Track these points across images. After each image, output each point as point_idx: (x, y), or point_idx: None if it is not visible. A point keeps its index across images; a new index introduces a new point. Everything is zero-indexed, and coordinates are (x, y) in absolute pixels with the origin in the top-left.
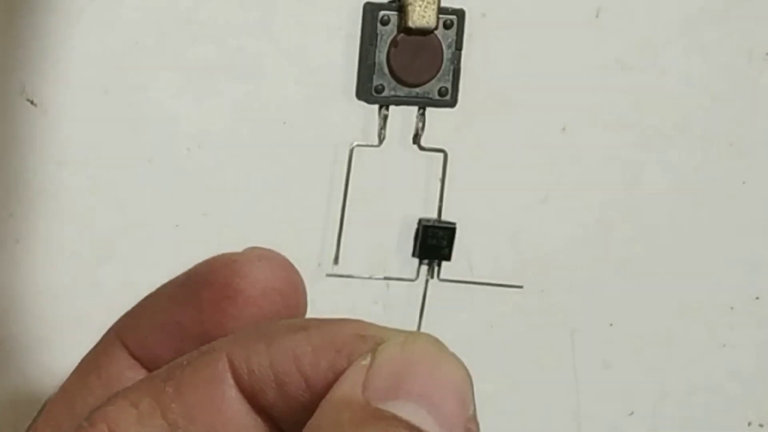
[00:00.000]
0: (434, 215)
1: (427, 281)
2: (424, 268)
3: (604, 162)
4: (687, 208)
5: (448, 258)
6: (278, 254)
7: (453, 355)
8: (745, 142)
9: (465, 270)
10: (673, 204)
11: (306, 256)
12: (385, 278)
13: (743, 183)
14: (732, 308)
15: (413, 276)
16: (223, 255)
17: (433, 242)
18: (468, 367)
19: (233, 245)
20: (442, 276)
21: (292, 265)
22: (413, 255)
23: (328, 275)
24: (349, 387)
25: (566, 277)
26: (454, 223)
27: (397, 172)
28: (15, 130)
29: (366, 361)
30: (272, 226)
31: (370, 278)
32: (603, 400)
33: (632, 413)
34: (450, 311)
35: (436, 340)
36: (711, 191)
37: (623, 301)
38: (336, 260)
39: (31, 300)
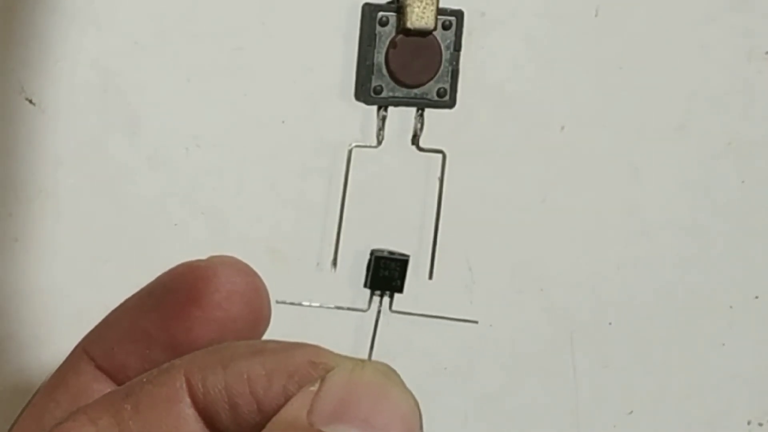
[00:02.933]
0: (432, 217)
1: (378, 312)
2: (376, 298)
3: (603, 161)
4: (686, 208)
5: (400, 290)
6: (240, 261)
7: (402, 385)
8: (745, 141)
9: (463, 269)
10: (672, 203)
11: (304, 256)
12: (336, 307)
13: (742, 182)
14: (731, 307)
15: (364, 306)
16: (186, 262)
17: (385, 273)
18: (466, 367)
19: (231, 245)
20: (394, 307)
21: (254, 271)
22: (365, 285)
23: (278, 302)
24: (294, 410)
25: (566, 276)
26: (407, 255)
27: (396, 172)
28: (14, 130)
29: (314, 387)
30: (271, 226)
31: (320, 307)
32: (602, 399)
33: (631, 412)
34: (446, 309)
35: (387, 369)
36: (710, 190)
37: (623, 300)
38: (334, 261)
39: (29, 298)
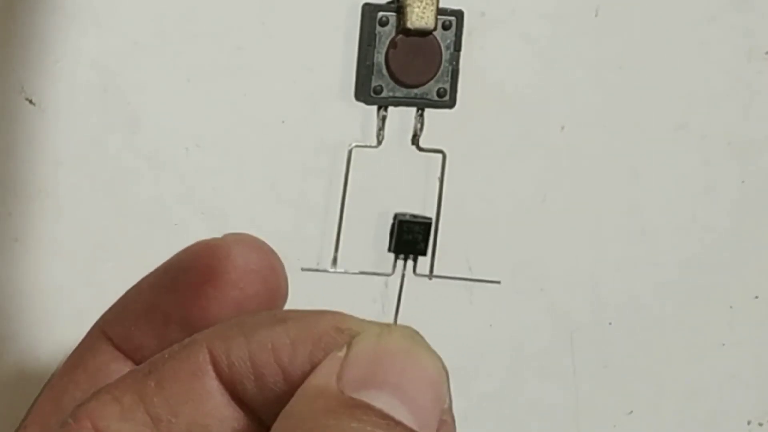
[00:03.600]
0: (432, 216)
1: (403, 276)
2: (400, 262)
3: (603, 161)
4: (686, 208)
5: (423, 253)
6: (256, 238)
7: (429, 348)
8: (744, 141)
9: (463, 269)
10: (672, 203)
11: (305, 255)
12: (361, 273)
13: (742, 182)
14: (731, 307)
15: (389, 271)
16: (201, 241)
17: (409, 237)
18: (466, 367)
19: None
20: (418, 271)
21: (270, 248)
22: (389, 250)
23: (303, 269)
24: (323, 377)
25: (566, 276)
26: (429, 218)
27: (396, 172)
28: (14, 129)
29: (342, 353)
30: (270, 226)
31: (345, 273)
32: (602, 399)
33: (631, 412)
34: (445, 308)
35: (413, 333)
36: (710, 190)
37: (623, 300)
38: (334, 261)
39: (29, 298)
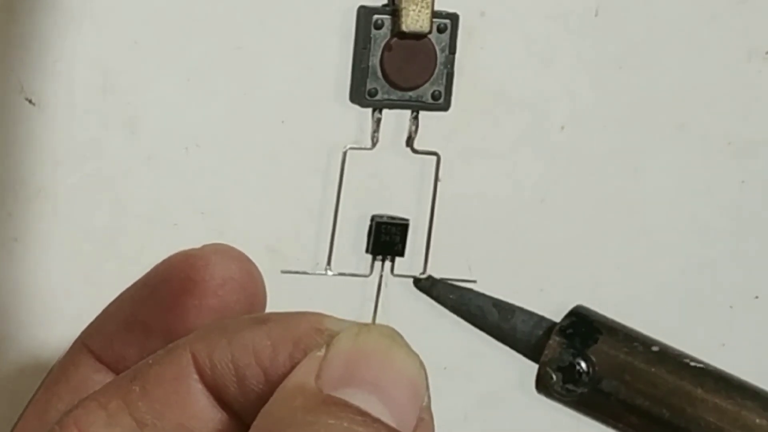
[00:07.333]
0: (427, 218)
1: (381, 277)
2: (378, 264)
3: (603, 161)
4: (686, 208)
5: (401, 254)
6: (233, 248)
7: (407, 346)
8: (744, 141)
9: (463, 270)
10: (672, 203)
11: (301, 256)
12: (340, 274)
13: (742, 182)
14: (731, 307)
15: (367, 272)
16: (180, 252)
17: (386, 239)
18: (466, 367)
19: (231, 244)
20: (396, 272)
21: (247, 258)
22: (366, 251)
23: (283, 272)
24: (302, 376)
25: (566, 277)
26: (407, 220)
27: (391, 174)
28: (13, 129)
29: (321, 352)
30: (270, 226)
31: (324, 274)
32: None
33: None
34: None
35: (392, 332)
36: (710, 190)
37: (623, 300)
38: (329, 262)
39: (29, 298)
